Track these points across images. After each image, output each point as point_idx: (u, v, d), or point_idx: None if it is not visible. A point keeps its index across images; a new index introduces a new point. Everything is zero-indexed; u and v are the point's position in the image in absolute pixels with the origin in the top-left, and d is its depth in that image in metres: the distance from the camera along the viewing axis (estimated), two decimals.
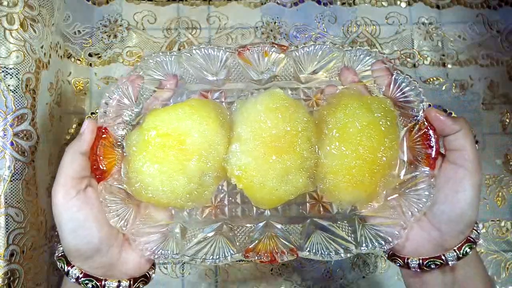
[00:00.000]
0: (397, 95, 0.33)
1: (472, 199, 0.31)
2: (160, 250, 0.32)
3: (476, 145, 0.53)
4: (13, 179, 0.37)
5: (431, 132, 0.32)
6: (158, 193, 0.31)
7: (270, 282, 0.50)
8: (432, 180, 0.32)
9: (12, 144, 0.37)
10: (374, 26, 0.54)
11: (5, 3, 0.37)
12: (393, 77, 0.33)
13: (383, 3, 0.55)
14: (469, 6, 0.55)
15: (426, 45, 0.54)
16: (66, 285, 0.33)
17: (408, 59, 0.54)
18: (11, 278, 0.36)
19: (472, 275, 0.32)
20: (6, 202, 0.36)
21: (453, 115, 0.53)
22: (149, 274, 0.34)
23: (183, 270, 0.50)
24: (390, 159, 0.32)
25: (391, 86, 0.33)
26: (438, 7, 0.55)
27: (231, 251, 0.33)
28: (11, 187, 0.37)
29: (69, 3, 0.50)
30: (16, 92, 0.38)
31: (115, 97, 0.33)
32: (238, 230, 0.35)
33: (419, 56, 0.54)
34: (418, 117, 0.32)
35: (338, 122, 0.32)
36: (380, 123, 0.31)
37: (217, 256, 0.32)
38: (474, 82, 0.54)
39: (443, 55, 0.54)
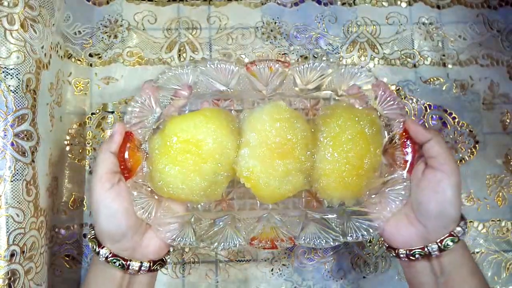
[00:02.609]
0: (383, 108, 0.39)
1: (451, 198, 0.35)
2: (179, 238, 0.37)
3: (477, 145, 0.53)
4: (14, 180, 0.37)
5: (408, 141, 0.38)
6: (177, 190, 0.37)
7: (270, 282, 0.50)
8: (408, 182, 0.38)
9: (12, 144, 0.37)
10: (374, 26, 0.54)
11: (5, 3, 0.37)
12: (380, 93, 0.39)
13: (383, 3, 0.55)
14: (469, 6, 0.55)
15: (427, 45, 0.54)
16: (95, 266, 0.37)
17: (409, 59, 0.54)
18: (12, 279, 0.36)
19: (457, 265, 0.36)
20: (6, 202, 0.36)
21: (453, 115, 0.53)
22: (165, 258, 0.39)
23: (183, 270, 0.50)
24: (373, 164, 0.38)
25: (378, 100, 0.39)
26: (438, 7, 0.55)
27: (239, 239, 0.38)
28: (12, 188, 0.37)
29: (69, 4, 0.50)
30: (17, 92, 0.38)
31: (138, 106, 0.38)
32: (244, 221, 0.40)
33: (419, 56, 0.54)
34: (399, 128, 0.38)
35: (331, 132, 0.37)
36: (367, 133, 0.37)
37: (228, 244, 0.38)
38: (474, 82, 0.54)
39: (444, 55, 0.54)
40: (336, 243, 0.38)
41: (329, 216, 0.40)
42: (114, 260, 0.36)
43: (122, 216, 0.35)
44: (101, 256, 0.36)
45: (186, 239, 0.38)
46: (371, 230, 0.38)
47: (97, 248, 0.36)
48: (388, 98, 0.38)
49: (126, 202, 0.36)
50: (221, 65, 0.38)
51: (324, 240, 0.38)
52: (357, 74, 0.39)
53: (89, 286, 0.37)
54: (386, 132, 0.39)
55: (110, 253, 0.36)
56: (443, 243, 0.35)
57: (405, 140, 0.38)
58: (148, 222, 0.37)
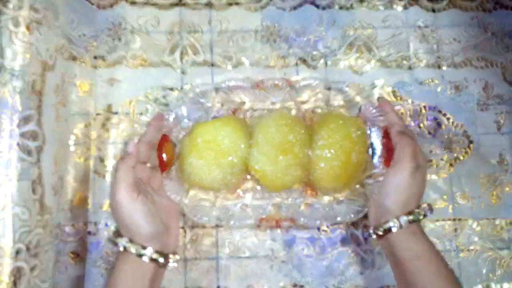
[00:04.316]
0: (368, 117, 0.47)
1: (389, 192, 0.42)
2: (204, 217, 0.47)
3: (471, 145, 0.54)
4: (20, 179, 0.38)
5: (387, 141, 0.46)
6: (202, 180, 0.45)
7: (270, 278, 0.51)
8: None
9: (18, 144, 0.38)
10: (371, 29, 0.55)
11: (10, 6, 0.38)
12: (367, 106, 0.48)
13: (380, 7, 0.56)
14: (464, 9, 0.56)
15: (422, 47, 0.55)
16: (126, 264, 0.40)
17: (404, 62, 0.55)
18: (17, 276, 0.37)
19: (402, 248, 0.41)
20: (12, 201, 0.37)
21: (447, 116, 0.54)
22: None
23: (185, 266, 0.51)
24: (359, 160, 0.45)
25: (364, 112, 0.47)
26: (433, 10, 0.56)
27: (252, 220, 0.47)
28: (18, 187, 0.38)
29: (74, 7, 0.51)
30: (23, 93, 0.38)
31: (173, 114, 0.47)
32: (255, 205, 0.49)
33: (415, 59, 0.55)
34: (381, 132, 0.47)
35: (324, 134, 0.45)
36: (354, 136, 0.45)
37: (241, 223, 0.47)
38: (469, 84, 0.55)
39: (439, 57, 0.55)
40: (329, 224, 0.49)
41: (323, 202, 0.49)
42: (159, 257, 0.40)
43: (156, 215, 0.41)
44: (145, 256, 0.39)
45: (210, 218, 0.47)
46: (356, 214, 0.46)
47: (141, 251, 0.39)
48: (370, 108, 0.47)
49: (152, 205, 0.41)
50: (237, 82, 0.48)
51: (318, 221, 0.47)
52: (343, 88, 0.48)
53: (120, 282, 0.39)
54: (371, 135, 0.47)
55: (154, 251, 0.40)
56: (377, 229, 0.42)
57: (385, 141, 0.45)
58: (179, 204, 0.46)
